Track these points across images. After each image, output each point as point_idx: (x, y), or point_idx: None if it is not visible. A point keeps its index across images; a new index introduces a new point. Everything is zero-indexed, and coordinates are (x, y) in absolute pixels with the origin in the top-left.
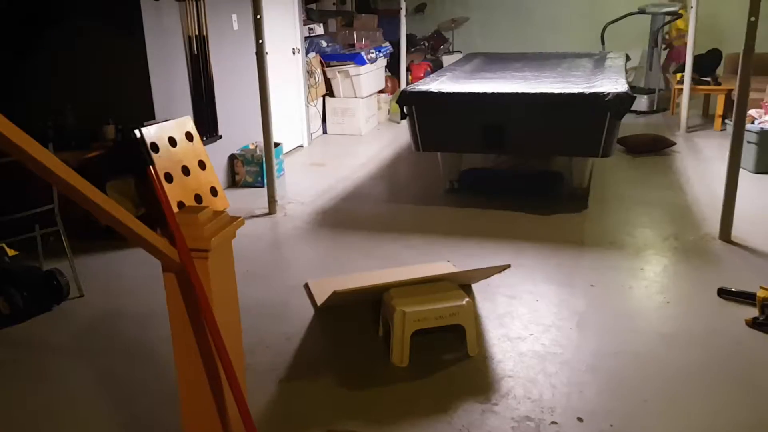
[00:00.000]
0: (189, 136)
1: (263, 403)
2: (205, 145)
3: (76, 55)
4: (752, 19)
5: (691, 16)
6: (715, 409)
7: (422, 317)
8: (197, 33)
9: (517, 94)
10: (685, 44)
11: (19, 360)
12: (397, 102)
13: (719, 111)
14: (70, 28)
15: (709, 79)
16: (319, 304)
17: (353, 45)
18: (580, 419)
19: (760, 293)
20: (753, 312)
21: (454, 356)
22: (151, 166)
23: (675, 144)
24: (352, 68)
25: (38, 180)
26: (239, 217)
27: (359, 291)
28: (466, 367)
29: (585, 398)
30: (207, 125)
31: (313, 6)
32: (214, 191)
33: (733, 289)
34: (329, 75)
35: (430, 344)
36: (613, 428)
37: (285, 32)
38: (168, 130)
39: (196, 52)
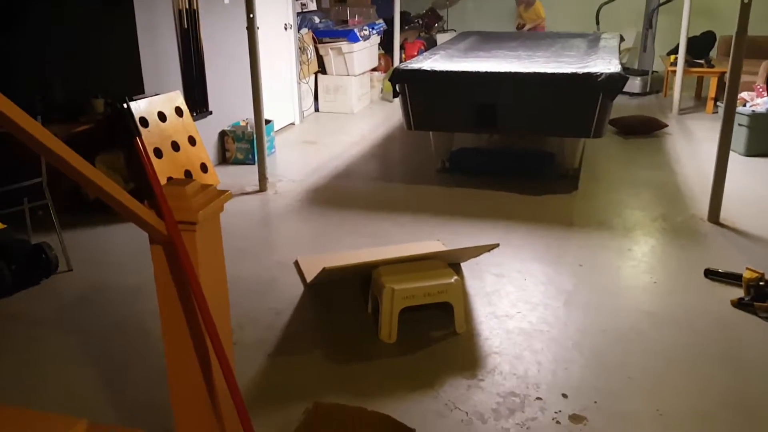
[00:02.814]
0: (179, 111)
1: (251, 376)
2: (195, 120)
3: (64, 28)
4: (745, 1)
5: None
6: (700, 388)
7: (411, 294)
8: (187, 6)
9: (510, 73)
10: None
11: (7, 333)
12: (389, 80)
13: (712, 93)
14: (59, 1)
15: (702, 61)
16: (308, 280)
17: (346, 21)
18: (564, 395)
19: (746, 274)
20: (739, 293)
21: (441, 333)
22: (138, 138)
23: (667, 126)
24: (345, 45)
25: (26, 153)
26: (227, 191)
27: (349, 268)
28: (453, 344)
29: (570, 375)
30: (197, 101)
31: None
32: (204, 167)
33: (720, 270)
34: (321, 52)
35: (418, 321)
36: (597, 405)
37: (277, 7)
38: (157, 105)
39: (186, 26)
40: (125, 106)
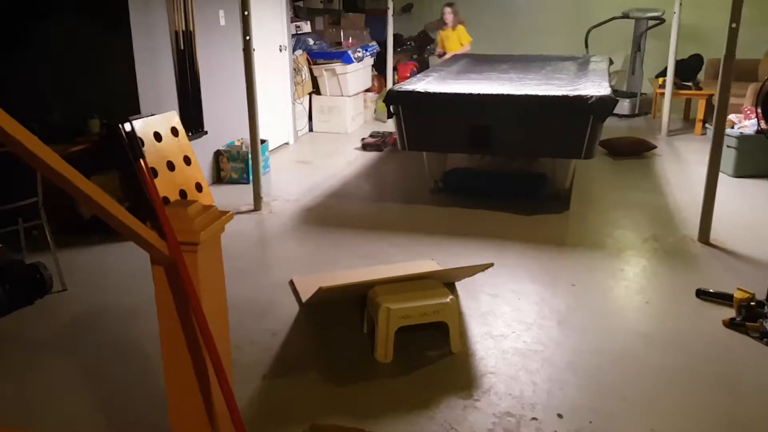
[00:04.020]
0: (174, 131)
1: (248, 398)
2: (190, 140)
3: (62, 49)
4: (733, 25)
5: (674, 21)
6: (694, 408)
7: (407, 314)
8: (184, 28)
9: (502, 95)
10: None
11: (1, 354)
12: (384, 101)
13: (700, 115)
14: (57, 22)
15: (690, 83)
16: (304, 300)
17: (340, 43)
18: (560, 416)
19: (737, 294)
20: (730, 313)
21: (437, 353)
22: (142, 159)
23: (656, 147)
24: (338, 66)
25: (22, 172)
26: (228, 212)
27: (345, 288)
28: (449, 364)
29: (565, 395)
30: (192, 121)
31: (300, 3)
32: (199, 187)
33: (711, 291)
34: (316, 73)
35: (413, 341)
36: (593, 425)
37: (272, 29)
38: (153, 125)
39: (182, 48)
40: (129, 127)
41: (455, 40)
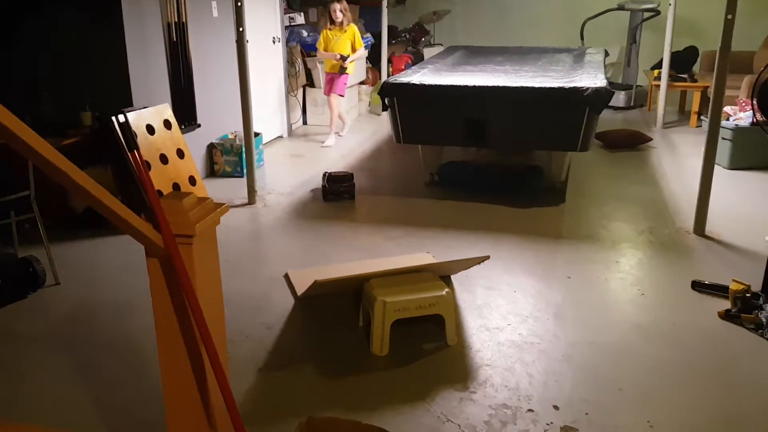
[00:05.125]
0: (167, 124)
1: (244, 392)
2: (183, 133)
3: (53, 41)
4: (729, 17)
5: (669, 13)
6: (689, 399)
7: (402, 307)
8: (176, 20)
9: (497, 87)
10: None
11: None
12: (378, 93)
13: (695, 108)
14: (49, 15)
15: (685, 76)
16: (299, 293)
17: None
18: (556, 407)
19: (733, 286)
20: (726, 304)
21: (433, 346)
22: (136, 150)
23: (651, 140)
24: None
25: (13, 165)
26: (224, 204)
27: (340, 281)
28: (445, 356)
29: (561, 387)
30: (185, 113)
31: None
32: (192, 180)
33: (707, 282)
34: (310, 65)
35: (409, 334)
36: (589, 416)
37: (265, 21)
38: (146, 118)
39: (175, 40)
40: (123, 119)
41: (345, 41)
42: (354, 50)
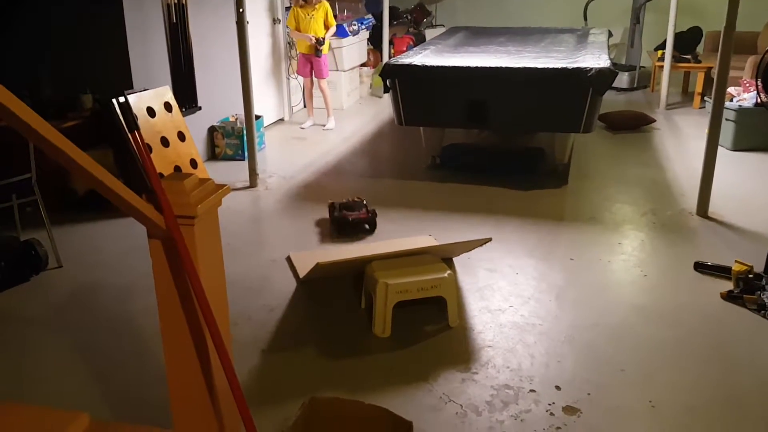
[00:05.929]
0: (168, 107)
1: (247, 373)
2: (184, 116)
3: (52, 23)
4: None
5: None
6: (691, 380)
7: (404, 289)
8: (176, 1)
9: (500, 68)
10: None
11: None
12: (380, 75)
13: (699, 89)
14: None
15: (689, 56)
16: (301, 276)
17: (335, 17)
18: (558, 388)
19: (735, 267)
20: (728, 285)
21: (435, 327)
22: (137, 131)
23: (655, 121)
24: (333, 40)
25: (14, 149)
26: (225, 185)
27: (342, 263)
28: (447, 338)
29: (563, 368)
30: (186, 96)
31: None
32: (193, 163)
33: (709, 263)
34: None
35: (411, 316)
36: (590, 397)
37: (266, 2)
38: (146, 100)
39: (174, 21)
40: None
41: (319, 21)
42: (326, 28)
